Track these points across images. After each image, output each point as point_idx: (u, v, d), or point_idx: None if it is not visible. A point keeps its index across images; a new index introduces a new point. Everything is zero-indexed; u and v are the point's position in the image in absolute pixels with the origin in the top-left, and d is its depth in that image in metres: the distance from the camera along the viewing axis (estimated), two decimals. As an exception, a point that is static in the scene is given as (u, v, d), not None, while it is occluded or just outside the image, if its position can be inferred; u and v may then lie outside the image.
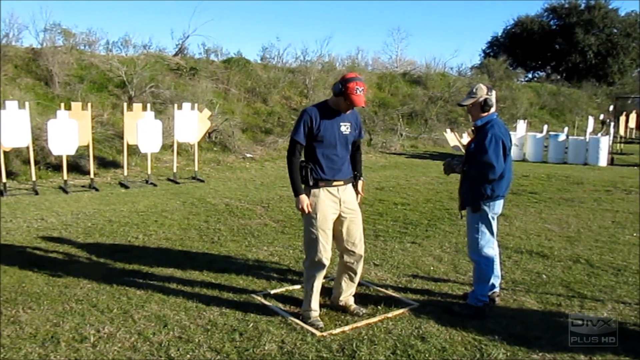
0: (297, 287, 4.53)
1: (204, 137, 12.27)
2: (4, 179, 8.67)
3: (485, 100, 3.95)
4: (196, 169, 10.88)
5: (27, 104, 8.81)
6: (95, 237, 6.18)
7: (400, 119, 18.57)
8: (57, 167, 10.06)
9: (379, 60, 27.41)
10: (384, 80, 21.61)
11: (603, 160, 14.80)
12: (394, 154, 16.26)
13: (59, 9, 43.84)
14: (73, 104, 9.25)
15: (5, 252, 5.42)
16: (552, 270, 5.18)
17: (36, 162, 9.56)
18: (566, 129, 17.27)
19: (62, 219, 6.96)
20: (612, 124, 17.42)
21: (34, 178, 9.03)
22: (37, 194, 8.66)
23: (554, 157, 15.44)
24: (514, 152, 14.63)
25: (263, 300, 4.23)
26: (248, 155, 13.66)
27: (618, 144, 19.09)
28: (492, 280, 4.10)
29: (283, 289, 4.53)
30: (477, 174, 3.89)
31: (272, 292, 4.45)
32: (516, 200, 8.73)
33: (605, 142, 14.98)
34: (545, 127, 17.54)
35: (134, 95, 13.73)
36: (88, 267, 5.02)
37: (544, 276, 4.98)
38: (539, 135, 16.16)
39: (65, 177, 9.25)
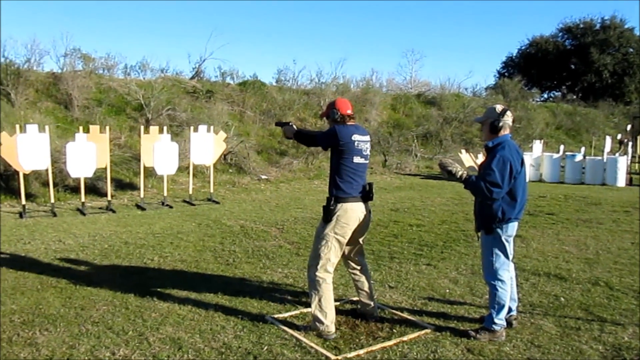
0: (311, 309, 4.51)
1: (220, 159, 12.37)
2: (23, 201, 8.80)
3: (493, 122, 3.97)
4: (212, 190, 10.95)
5: (47, 127, 8.98)
6: (112, 258, 6.23)
7: (415, 140, 18.58)
8: (75, 189, 10.20)
9: (393, 81, 27.49)
10: (399, 102, 21.68)
11: (621, 181, 14.62)
12: (409, 175, 16.23)
13: (79, 35, 44.82)
14: (91, 127, 9.40)
15: (23, 273, 5.48)
16: (571, 293, 5.10)
17: (55, 185, 9.70)
18: (583, 149, 17.14)
19: (79, 241, 7.03)
20: (630, 143, 17.26)
21: (52, 200, 9.16)
22: (55, 215, 8.76)
23: (571, 177, 15.30)
24: (530, 173, 14.56)
25: (277, 323, 4.22)
26: (263, 176, 13.73)
27: (636, 164, 18.85)
28: (508, 304, 4.05)
29: (297, 312, 4.51)
30: (480, 192, 3.87)
31: (287, 314, 4.44)
32: (533, 222, 8.64)
33: (623, 162, 14.82)
34: (562, 147, 17.44)
35: (151, 118, 13.93)
36: (104, 288, 5.05)
37: (562, 299, 4.91)
38: (555, 155, 16.04)
39: (83, 199, 9.37)
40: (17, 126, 8.61)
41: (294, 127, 4.30)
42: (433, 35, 59.57)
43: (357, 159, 3.96)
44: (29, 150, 8.62)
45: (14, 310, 4.44)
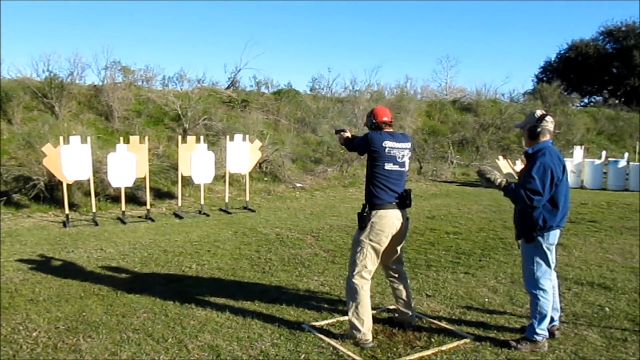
0: (347, 317, 4.50)
1: (255, 168, 12.49)
2: (67, 211, 9.06)
3: (531, 127, 3.90)
4: (247, 199, 11.05)
5: (88, 138, 9.23)
6: (151, 266, 6.34)
7: (451, 147, 18.38)
8: (115, 199, 10.44)
9: (428, 88, 27.31)
10: (434, 108, 21.50)
11: (668, 187, 14.10)
12: (445, 182, 16.04)
13: (119, 48, 46.16)
14: (131, 137, 9.62)
15: (67, 281, 5.63)
16: (616, 303, 4.94)
17: (96, 194, 9.95)
18: (626, 154, 16.64)
19: (120, 249, 7.19)
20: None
21: (94, 209, 9.39)
22: (97, 224, 8.98)
23: (613, 184, 14.85)
24: (571, 180, 14.20)
25: (314, 331, 4.21)
26: (298, 184, 13.78)
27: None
28: (550, 313, 3.95)
29: (334, 320, 4.50)
30: (520, 200, 3.79)
31: (324, 322, 4.43)
32: (575, 229, 8.42)
33: (669, 168, 14.30)
34: (604, 153, 16.95)
35: (188, 127, 14.19)
36: (144, 296, 5.15)
37: (607, 309, 4.76)
38: (597, 161, 15.61)
39: (123, 208, 9.58)
40: (61, 138, 8.88)
41: (348, 133, 4.39)
42: (468, 40, 58.84)
43: (389, 166, 3.95)
44: (72, 161, 8.87)
45: (58, 317, 4.57)
